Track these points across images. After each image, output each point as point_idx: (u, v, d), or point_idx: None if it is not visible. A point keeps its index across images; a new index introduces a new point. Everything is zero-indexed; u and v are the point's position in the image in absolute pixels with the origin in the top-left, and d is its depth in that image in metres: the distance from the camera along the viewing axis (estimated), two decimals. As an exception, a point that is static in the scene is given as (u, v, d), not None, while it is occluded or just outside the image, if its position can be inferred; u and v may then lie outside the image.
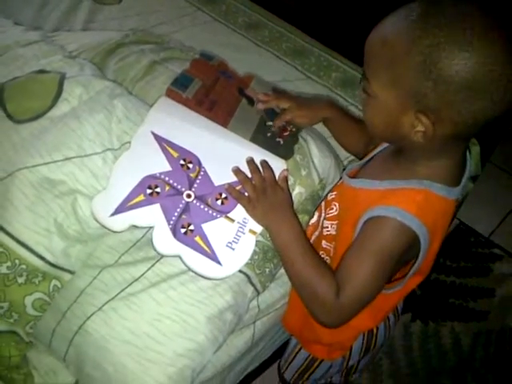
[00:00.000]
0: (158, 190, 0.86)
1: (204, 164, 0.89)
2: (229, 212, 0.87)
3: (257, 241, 0.88)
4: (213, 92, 1.00)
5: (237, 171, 0.87)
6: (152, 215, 0.85)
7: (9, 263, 0.85)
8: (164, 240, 0.85)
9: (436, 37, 0.62)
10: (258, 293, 0.94)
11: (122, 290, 0.86)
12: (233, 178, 0.87)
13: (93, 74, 0.99)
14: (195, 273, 0.85)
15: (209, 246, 0.85)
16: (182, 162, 0.88)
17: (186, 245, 0.85)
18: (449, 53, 0.62)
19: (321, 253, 0.89)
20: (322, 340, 0.95)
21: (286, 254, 0.82)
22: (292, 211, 0.85)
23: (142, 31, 1.30)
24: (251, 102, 1.02)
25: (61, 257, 0.87)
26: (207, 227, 0.86)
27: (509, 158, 2.17)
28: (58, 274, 0.88)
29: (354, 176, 0.86)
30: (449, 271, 1.79)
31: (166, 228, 0.85)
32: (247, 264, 0.88)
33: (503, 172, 2.18)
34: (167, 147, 0.88)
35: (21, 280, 0.85)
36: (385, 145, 0.86)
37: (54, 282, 0.87)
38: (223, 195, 0.87)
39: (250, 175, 0.87)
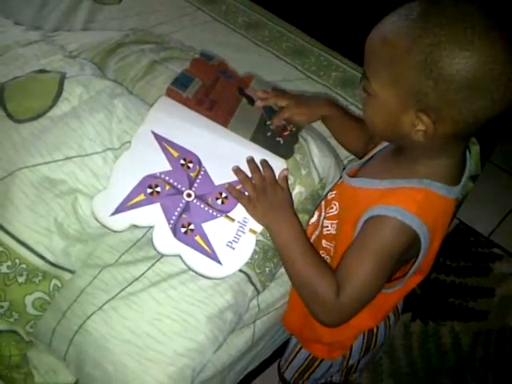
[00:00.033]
0: (159, 189, 0.86)
1: (204, 163, 0.89)
2: (229, 211, 0.87)
3: (257, 240, 0.88)
4: (213, 92, 1.00)
5: (237, 170, 0.87)
6: (152, 215, 0.85)
7: (9, 262, 0.85)
8: (164, 239, 0.85)
9: (437, 36, 0.62)
10: (258, 292, 0.94)
11: (123, 290, 0.86)
12: (233, 178, 0.88)
13: (93, 73, 0.99)
14: (195, 272, 0.85)
15: (209, 245, 0.86)
16: (182, 161, 0.88)
17: (187, 244, 0.85)
18: (450, 52, 0.62)
19: (321, 252, 0.89)
20: (322, 339, 0.95)
21: (286, 254, 0.82)
22: (292, 210, 0.85)
23: (142, 31, 1.30)
24: (251, 101, 1.02)
25: (61, 256, 0.87)
26: (207, 226, 0.86)
27: (509, 157, 2.17)
28: (59, 274, 0.88)
29: (353, 175, 0.86)
30: (449, 271, 1.79)
31: (166, 227, 0.85)
32: (247, 263, 0.88)
33: (503, 172, 2.18)
34: (167, 147, 0.88)
35: (21, 279, 0.85)
36: (384, 144, 0.86)
37: (54, 281, 0.87)
38: (223, 194, 0.87)
39: (250, 175, 0.87)
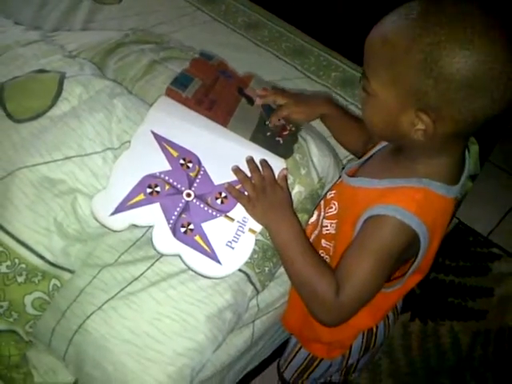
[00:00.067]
0: (158, 189, 0.86)
1: (204, 163, 0.89)
2: (228, 211, 0.87)
3: (256, 240, 0.88)
4: (212, 91, 1.00)
5: (236, 170, 0.88)
6: (152, 214, 0.85)
7: (8, 262, 0.85)
8: (164, 239, 0.85)
9: (437, 35, 0.62)
10: (258, 292, 0.94)
11: (122, 289, 0.86)
12: (232, 177, 0.88)
13: (93, 73, 0.99)
14: (195, 272, 0.85)
15: (208, 245, 0.86)
16: (181, 161, 0.88)
17: (186, 244, 0.85)
18: (450, 51, 0.62)
19: (320, 252, 0.89)
20: (321, 339, 0.95)
21: (285, 253, 0.82)
22: (291, 210, 0.85)
23: (142, 31, 1.30)
24: (251, 101, 1.02)
25: (60, 256, 0.87)
26: (207, 226, 0.86)
27: (508, 157, 2.18)
28: (58, 274, 0.88)
29: (353, 175, 0.86)
30: (448, 270, 1.79)
31: (165, 227, 0.85)
32: (247, 263, 0.88)
33: (502, 171, 2.18)
34: (167, 146, 0.88)
35: (20, 279, 0.85)
36: (384, 143, 0.86)
37: (53, 281, 0.87)
38: (223, 194, 0.87)
39: (249, 174, 0.87)
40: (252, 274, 0.90)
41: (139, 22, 1.47)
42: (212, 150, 0.90)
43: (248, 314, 0.96)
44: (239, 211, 0.87)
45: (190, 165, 0.88)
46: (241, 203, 0.86)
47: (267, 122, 0.98)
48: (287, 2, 1.85)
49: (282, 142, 0.96)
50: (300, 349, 1.04)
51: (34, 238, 0.85)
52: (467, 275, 1.79)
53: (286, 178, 0.89)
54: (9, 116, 0.91)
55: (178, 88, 0.97)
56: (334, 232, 0.87)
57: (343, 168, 0.99)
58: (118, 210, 0.85)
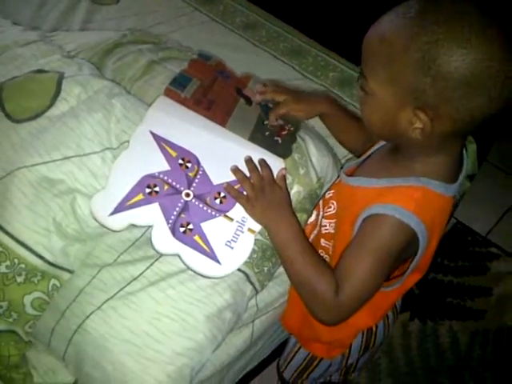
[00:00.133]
0: (157, 189, 0.86)
1: (203, 163, 0.89)
2: (227, 211, 0.87)
3: (255, 239, 0.88)
4: (211, 92, 1.00)
5: (235, 170, 0.88)
6: (151, 214, 0.85)
7: (8, 262, 0.85)
8: (163, 239, 0.85)
9: (434, 33, 0.62)
10: (257, 291, 0.94)
11: (121, 289, 0.86)
12: (231, 177, 0.88)
13: (91, 73, 0.99)
14: (194, 271, 0.85)
15: (208, 244, 0.86)
16: (180, 161, 0.88)
17: (185, 244, 0.85)
18: (447, 49, 0.62)
19: (320, 251, 0.89)
20: (321, 338, 0.95)
21: (284, 253, 0.82)
22: (290, 210, 0.85)
23: (140, 31, 1.30)
24: (249, 101, 1.02)
25: (60, 256, 0.87)
26: (206, 226, 0.86)
27: (505, 156, 2.18)
28: (57, 274, 0.88)
29: (351, 174, 0.86)
30: (446, 270, 1.80)
31: (165, 227, 0.85)
32: (246, 263, 0.88)
33: (500, 171, 2.18)
34: (166, 146, 0.89)
35: (20, 279, 0.85)
36: (382, 143, 0.86)
37: (53, 281, 0.87)
38: (222, 194, 0.87)
39: (248, 174, 0.87)
40: (251, 274, 0.90)
41: (137, 22, 1.47)
42: (211, 150, 0.90)
43: (247, 313, 0.96)
44: (238, 211, 0.87)
45: (189, 165, 0.88)
46: (240, 203, 0.86)
47: (266, 122, 0.98)
48: (285, 2, 1.85)
49: (280, 141, 0.96)
50: (299, 348, 1.04)
51: (34, 237, 0.85)
52: (466, 275, 1.79)
53: (284, 178, 0.89)
54: (7, 116, 0.91)
55: (177, 88, 0.97)
56: (333, 231, 0.87)
57: (342, 167, 0.99)
58: (117, 210, 0.85)
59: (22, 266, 0.85)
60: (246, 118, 0.99)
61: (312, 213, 0.96)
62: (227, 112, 0.97)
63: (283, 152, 0.94)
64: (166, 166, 0.87)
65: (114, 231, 0.86)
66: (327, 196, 0.91)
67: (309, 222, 0.96)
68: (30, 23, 1.34)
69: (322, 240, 0.90)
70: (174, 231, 0.85)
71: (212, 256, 0.85)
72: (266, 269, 0.92)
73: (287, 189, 0.89)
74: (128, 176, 0.87)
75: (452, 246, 1.88)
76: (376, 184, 0.77)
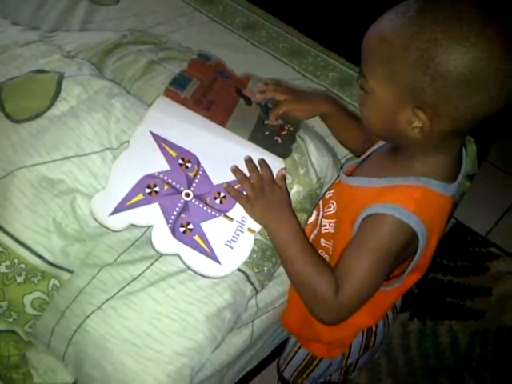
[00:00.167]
0: (157, 189, 0.86)
1: (202, 163, 0.89)
2: (227, 211, 0.87)
3: (255, 239, 0.88)
4: (210, 92, 1.00)
5: (235, 170, 0.88)
6: (151, 214, 0.85)
7: (8, 262, 0.85)
8: (163, 239, 0.85)
9: (433, 32, 0.63)
10: (257, 291, 0.94)
11: (121, 289, 0.86)
12: (231, 177, 0.88)
13: (91, 73, 0.99)
14: (194, 271, 0.86)
15: (208, 244, 0.86)
16: (180, 161, 0.88)
17: (185, 244, 0.85)
18: (446, 48, 0.62)
19: (320, 251, 0.90)
20: (321, 338, 0.95)
21: (284, 253, 0.82)
22: (290, 210, 0.86)
23: (140, 31, 1.30)
24: (249, 102, 1.03)
25: (60, 256, 0.87)
26: (206, 226, 0.86)
27: (505, 156, 2.18)
28: (57, 273, 0.88)
29: (351, 174, 0.86)
30: (446, 270, 1.80)
31: (164, 227, 0.85)
32: (246, 263, 0.88)
33: (500, 171, 2.18)
34: (166, 147, 0.89)
35: (20, 279, 0.85)
36: (381, 142, 0.86)
37: (53, 281, 0.87)
38: (222, 194, 0.88)
39: (248, 174, 0.87)
40: (251, 274, 0.90)
41: (137, 22, 1.47)
42: (211, 150, 0.90)
43: (247, 313, 0.96)
44: (238, 211, 0.87)
45: (189, 165, 0.88)
46: (239, 203, 0.86)
47: (266, 122, 0.98)
48: (285, 2, 1.85)
49: (280, 141, 0.96)
50: (299, 348, 1.04)
51: (34, 237, 0.85)
52: (465, 275, 1.79)
53: (284, 178, 0.89)
54: (7, 116, 0.91)
55: (177, 88, 0.97)
56: (332, 231, 0.87)
57: (341, 167, 0.99)
58: (117, 210, 0.85)
59: (22, 265, 0.85)
60: (245, 118, 0.99)
61: (312, 213, 0.96)
62: (227, 112, 0.98)
63: (283, 152, 0.94)
64: (165, 166, 0.87)
65: (113, 231, 0.86)
66: (327, 196, 0.91)
67: (309, 222, 0.96)
68: (30, 23, 1.34)
69: (322, 240, 0.90)
70: (173, 231, 0.85)
71: (212, 256, 0.85)
72: (265, 269, 0.92)
73: (287, 189, 0.89)
74: (128, 176, 0.87)
75: (452, 246, 1.88)
76: (376, 184, 0.77)
